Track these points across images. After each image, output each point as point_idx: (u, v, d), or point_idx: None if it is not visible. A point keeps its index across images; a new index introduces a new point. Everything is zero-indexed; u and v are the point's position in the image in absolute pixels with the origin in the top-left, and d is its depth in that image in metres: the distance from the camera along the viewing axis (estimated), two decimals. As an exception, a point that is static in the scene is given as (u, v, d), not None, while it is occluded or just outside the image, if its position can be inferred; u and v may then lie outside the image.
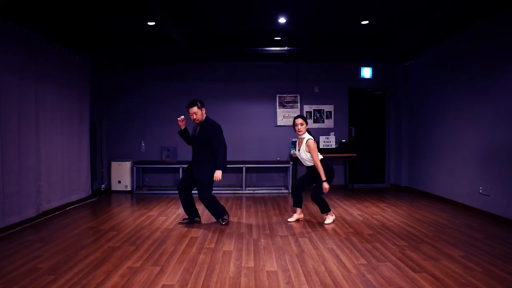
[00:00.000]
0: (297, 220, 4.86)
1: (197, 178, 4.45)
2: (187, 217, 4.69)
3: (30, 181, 4.77)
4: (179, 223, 4.69)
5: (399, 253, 3.50)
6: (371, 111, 7.88)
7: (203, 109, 4.57)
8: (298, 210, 4.87)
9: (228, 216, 4.71)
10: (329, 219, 4.71)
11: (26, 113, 4.69)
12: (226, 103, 7.64)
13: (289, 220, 4.84)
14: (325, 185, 4.45)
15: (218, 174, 4.34)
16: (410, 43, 6.26)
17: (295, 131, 4.59)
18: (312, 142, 4.48)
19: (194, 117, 4.49)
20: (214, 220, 4.86)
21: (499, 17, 4.81)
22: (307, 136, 4.56)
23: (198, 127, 4.57)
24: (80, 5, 4.74)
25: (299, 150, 4.63)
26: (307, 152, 4.52)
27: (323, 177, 4.44)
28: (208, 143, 4.43)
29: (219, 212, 4.61)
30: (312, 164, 4.55)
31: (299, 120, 4.51)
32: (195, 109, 4.48)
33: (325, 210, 4.72)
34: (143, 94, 7.59)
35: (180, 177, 7.07)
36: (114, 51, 6.71)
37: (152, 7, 4.39)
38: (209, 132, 4.45)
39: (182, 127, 4.63)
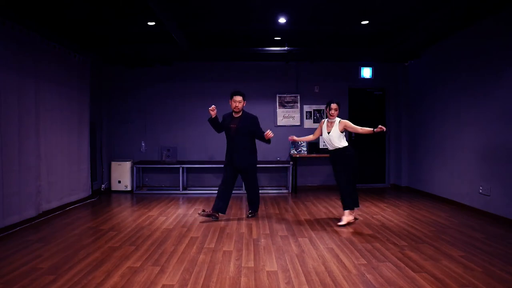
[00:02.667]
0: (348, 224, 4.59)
1: (244, 166, 4.82)
2: (206, 210, 4.93)
3: (30, 181, 4.77)
4: (199, 214, 4.86)
5: (399, 253, 3.50)
6: (371, 111, 7.88)
7: (245, 102, 4.90)
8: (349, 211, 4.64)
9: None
10: (344, 220, 4.53)
11: (26, 113, 4.69)
12: (226, 103, 7.60)
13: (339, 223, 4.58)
14: (381, 127, 4.35)
15: (269, 133, 4.74)
16: (410, 43, 6.26)
17: (329, 115, 4.70)
18: (347, 121, 4.69)
19: (237, 105, 4.80)
20: (213, 220, 4.87)
21: (499, 17, 4.81)
22: (337, 118, 4.72)
23: (236, 118, 4.86)
24: (80, 5, 4.74)
25: (329, 133, 4.68)
26: (341, 132, 4.63)
27: (371, 130, 4.44)
28: (249, 133, 4.83)
29: (258, 204, 5.08)
30: (337, 147, 4.63)
31: (335, 105, 4.68)
32: (240, 98, 4.81)
33: (347, 206, 4.57)
34: (143, 94, 7.59)
35: (181, 177, 7.08)
36: (114, 51, 6.72)
37: (152, 7, 4.39)
38: (251, 123, 4.86)
39: (213, 116, 4.89)
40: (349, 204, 4.59)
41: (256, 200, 5.05)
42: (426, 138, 6.71)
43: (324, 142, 4.81)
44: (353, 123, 4.72)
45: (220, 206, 4.84)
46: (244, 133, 4.81)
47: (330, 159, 4.86)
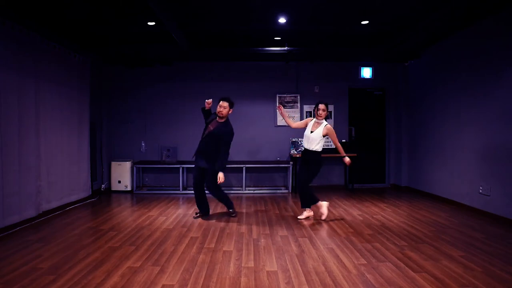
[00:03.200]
0: (307, 218, 4.97)
1: (205, 167, 4.77)
2: (198, 211, 5.07)
3: (30, 181, 4.77)
4: (194, 217, 4.97)
5: (399, 253, 3.50)
6: (371, 111, 7.88)
7: (231, 110, 4.85)
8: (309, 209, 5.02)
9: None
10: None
11: (26, 113, 4.69)
12: (226, 103, 7.62)
13: (299, 217, 4.95)
14: (347, 159, 4.74)
15: (221, 175, 4.64)
16: (410, 43, 6.26)
17: (317, 115, 4.77)
18: (331, 128, 4.79)
19: (221, 110, 4.73)
20: (213, 220, 4.87)
21: (499, 17, 4.81)
22: (324, 121, 4.81)
23: (217, 122, 4.79)
24: (80, 5, 4.74)
25: (312, 132, 4.76)
26: (323, 136, 4.73)
27: (344, 153, 4.76)
28: (218, 141, 4.70)
29: (229, 202, 5.06)
30: (312, 149, 4.74)
31: (323, 106, 4.74)
32: (226, 104, 4.76)
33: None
34: (143, 94, 7.59)
35: (181, 177, 7.08)
36: (114, 51, 6.72)
37: (152, 7, 4.39)
38: (225, 133, 4.73)
39: (207, 108, 4.88)
40: (308, 203, 4.91)
41: (223, 199, 5.02)
42: (426, 138, 6.71)
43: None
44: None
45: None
46: (215, 138, 4.70)
47: (301, 158, 4.95)
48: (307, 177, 4.80)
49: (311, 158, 4.77)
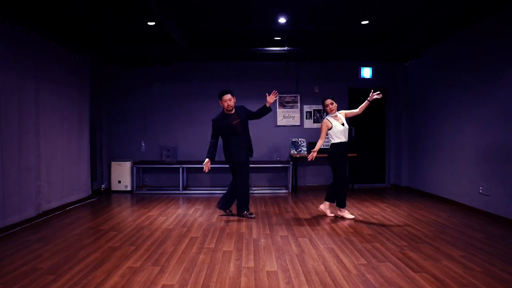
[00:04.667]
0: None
1: (241, 162, 4.88)
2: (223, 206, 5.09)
3: (30, 181, 4.77)
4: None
5: (399, 253, 3.50)
6: (371, 111, 7.83)
7: (234, 97, 4.94)
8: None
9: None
10: (347, 213, 4.97)
11: (26, 113, 4.69)
12: (226, 103, 7.63)
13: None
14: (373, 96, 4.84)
15: (271, 97, 4.98)
16: (410, 43, 6.26)
17: (329, 111, 4.89)
18: (343, 111, 5.04)
19: (230, 104, 4.83)
20: (213, 220, 4.87)
21: (499, 17, 4.81)
22: (337, 112, 4.95)
23: (233, 115, 4.88)
24: (80, 5, 4.74)
25: (343, 124, 4.85)
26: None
27: (367, 102, 4.93)
28: (247, 124, 4.96)
29: (247, 203, 5.04)
30: (347, 139, 4.89)
31: (329, 100, 4.88)
32: (229, 96, 4.84)
33: (343, 203, 4.95)
34: (143, 94, 7.59)
35: (181, 177, 7.07)
36: (114, 51, 6.72)
37: (152, 7, 4.39)
38: (246, 111, 4.99)
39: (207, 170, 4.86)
40: (344, 201, 4.96)
41: (246, 197, 5.02)
42: (426, 138, 6.71)
43: (331, 137, 4.86)
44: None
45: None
46: (247, 124, 4.95)
47: (342, 152, 4.87)
48: (345, 171, 4.94)
49: (347, 149, 4.92)
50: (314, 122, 7.65)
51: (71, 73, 5.86)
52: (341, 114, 4.96)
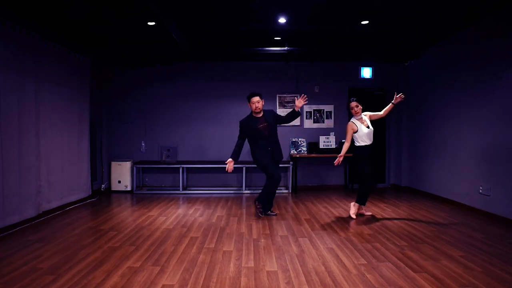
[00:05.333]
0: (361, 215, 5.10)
1: (281, 158, 5.05)
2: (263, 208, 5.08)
3: (30, 181, 4.77)
4: (268, 214, 5.08)
5: (399, 253, 3.50)
6: (371, 111, 7.84)
7: (263, 100, 4.99)
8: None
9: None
10: (367, 211, 5.15)
11: (26, 113, 4.69)
12: (226, 103, 7.64)
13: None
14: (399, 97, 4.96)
15: (299, 101, 4.93)
16: (410, 43, 6.26)
17: (354, 113, 4.88)
18: (368, 112, 5.04)
19: (258, 106, 4.86)
20: (213, 220, 4.87)
21: (499, 17, 4.81)
22: (362, 114, 4.93)
23: (261, 118, 4.93)
24: (80, 5, 4.74)
25: (368, 127, 4.85)
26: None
27: (391, 105, 5.03)
28: (276, 127, 5.03)
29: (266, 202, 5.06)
30: (372, 142, 4.89)
31: (355, 103, 4.87)
32: (258, 98, 4.87)
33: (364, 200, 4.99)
34: (143, 94, 7.59)
35: (181, 177, 7.08)
36: (114, 51, 6.72)
37: (152, 7, 4.39)
38: (275, 115, 5.06)
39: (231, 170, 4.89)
40: (364, 200, 4.99)
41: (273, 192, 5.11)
42: (426, 138, 6.71)
43: (356, 141, 4.88)
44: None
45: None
46: (275, 128, 5.00)
47: (366, 154, 4.85)
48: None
49: (372, 150, 4.89)
50: (314, 122, 7.65)
51: (71, 73, 5.86)
52: (366, 116, 4.95)
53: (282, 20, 5.40)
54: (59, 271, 3.05)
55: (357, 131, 4.81)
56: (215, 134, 7.63)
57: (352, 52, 7.06)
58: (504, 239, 3.93)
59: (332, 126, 7.66)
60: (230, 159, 4.84)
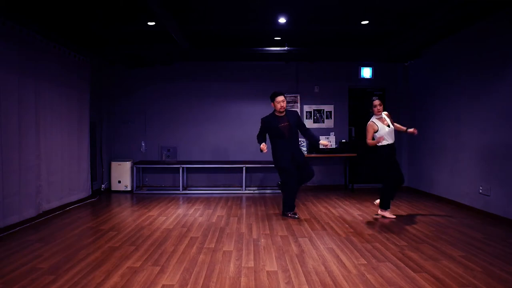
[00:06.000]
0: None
1: (303, 159, 4.97)
2: (295, 211, 5.08)
3: (30, 181, 4.77)
4: (293, 216, 4.97)
5: (399, 253, 3.50)
6: (371, 111, 7.85)
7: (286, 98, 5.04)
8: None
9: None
10: (389, 214, 4.98)
11: (26, 113, 4.69)
12: (226, 103, 7.65)
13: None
14: (410, 130, 4.98)
15: (325, 142, 4.94)
16: (410, 43, 6.25)
17: (376, 112, 4.86)
18: (387, 113, 5.01)
19: (282, 105, 4.88)
20: (213, 220, 4.87)
21: (499, 17, 4.80)
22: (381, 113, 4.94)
23: (282, 117, 4.92)
24: (80, 5, 4.74)
25: (389, 126, 4.84)
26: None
27: (403, 129, 5.06)
28: (296, 128, 5.00)
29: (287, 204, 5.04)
30: (393, 141, 4.89)
31: (378, 101, 4.86)
32: (282, 97, 4.90)
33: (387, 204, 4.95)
34: (143, 94, 7.59)
35: (181, 177, 7.08)
36: (114, 51, 6.71)
37: (152, 7, 4.39)
38: (297, 116, 5.05)
39: (265, 151, 4.98)
40: (387, 203, 4.94)
41: (285, 200, 5.09)
42: (426, 138, 6.71)
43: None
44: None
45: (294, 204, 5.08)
46: (296, 129, 4.97)
47: (388, 153, 4.83)
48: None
49: (394, 150, 4.89)
50: (314, 122, 7.65)
51: (71, 73, 5.86)
52: (386, 115, 4.94)
53: (282, 20, 5.40)
54: (59, 271, 3.05)
55: (377, 130, 4.80)
56: (215, 134, 7.63)
57: (352, 52, 7.06)
58: (504, 239, 3.93)
59: (332, 126, 7.66)
60: (262, 144, 4.91)
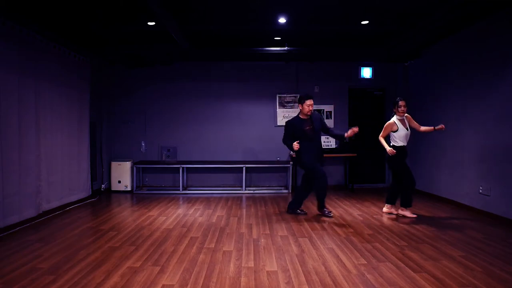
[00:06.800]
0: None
1: (306, 166, 5.00)
2: (302, 207, 5.33)
3: (30, 181, 4.77)
4: (300, 212, 5.24)
5: (399, 253, 3.50)
6: (371, 111, 7.87)
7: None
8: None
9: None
10: (409, 213, 4.99)
11: (26, 113, 4.69)
12: (226, 103, 7.64)
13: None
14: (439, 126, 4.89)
15: (350, 132, 4.90)
16: (410, 43, 6.25)
17: (398, 113, 4.89)
18: (408, 115, 5.01)
19: (311, 108, 4.96)
20: (213, 220, 4.87)
21: (499, 17, 4.80)
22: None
23: (307, 120, 4.99)
24: (80, 5, 4.74)
25: (407, 129, 4.89)
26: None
27: (431, 129, 4.96)
28: (320, 130, 5.07)
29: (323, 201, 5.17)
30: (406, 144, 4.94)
31: (404, 102, 4.87)
32: (312, 101, 4.96)
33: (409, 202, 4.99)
34: (143, 94, 7.59)
35: (181, 177, 7.08)
36: (114, 51, 6.71)
37: (152, 7, 4.39)
38: (321, 121, 5.09)
39: (296, 148, 4.93)
40: (409, 201, 4.98)
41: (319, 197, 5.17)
42: (426, 138, 6.70)
43: (394, 140, 4.93)
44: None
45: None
46: (320, 131, 5.05)
47: (402, 155, 4.88)
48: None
49: (406, 152, 4.93)
50: (314, 122, 7.64)
51: (71, 73, 5.86)
52: (407, 118, 4.96)
53: (282, 20, 5.40)
54: (59, 271, 3.05)
55: (396, 130, 4.84)
56: (215, 134, 7.64)
57: (352, 52, 7.06)
58: (504, 239, 3.93)
59: (332, 126, 7.65)
60: (294, 143, 4.87)
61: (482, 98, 5.15)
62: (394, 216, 5.02)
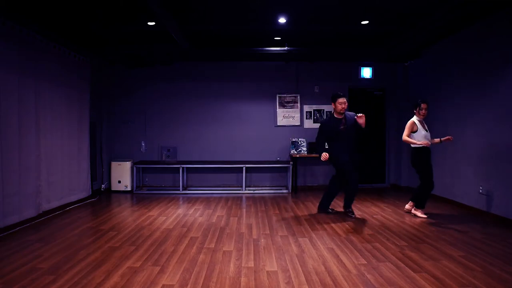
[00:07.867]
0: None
1: (340, 163, 4.99)
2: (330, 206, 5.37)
3: (30, 181, 4.77)
4: (331, 211, 5.31)
5: (399, 253, 3.50)
6: (371, 111, 7.86)
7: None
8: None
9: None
10: (421, 213, 5.06)
11: (26, 113, 4.69)
12: (226, 103, 7.64)
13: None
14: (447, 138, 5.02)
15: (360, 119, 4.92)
16: (410, 43, 6.25)
17: (420, 115, 4.95)
18: None
19: (343, 106, 4.94)
20: (213, 220, 4.87)
21: (500, 17, 4.80)
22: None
23: (341, 119, 4.98)
24: (81, 5, 4.74)
25: (427, 130, 4.97)
26: None
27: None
28: (353, 129, 5.01)
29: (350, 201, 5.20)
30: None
31: (426, 105, 4.91)
32: (344, 99, 4.95)
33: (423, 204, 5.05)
34: (143, 94, 7.59)
35: (181, 177, 7.08)
36: (114, 51, 6.71)
37: (152, 7, 4.39)
38: (354, 121, 4.99)
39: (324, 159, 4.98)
40: (422, 203, 5.06)
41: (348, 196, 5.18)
42: (426, 138, 6.70)
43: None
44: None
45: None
46: (353, 130, 5.00)
47: (427, 155, 4.90)
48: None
49: (430, 153, 4.94)
50: (314, 122, 7.65)
51: (71, 73, 5.86)
52: (425, 122, 5.04)
53: (282, 20, 5.40)
54: (59, 271, 3.05)
55: (416, 131, 4.88)
56: (215, 134, 7.64)
57: (352, 52, 7.06)
58: (504, 239, 3.93)
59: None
60: (323, 153, 4.91)
61: (482, 97, 5.15)
62: (425, 219, 4.92)
